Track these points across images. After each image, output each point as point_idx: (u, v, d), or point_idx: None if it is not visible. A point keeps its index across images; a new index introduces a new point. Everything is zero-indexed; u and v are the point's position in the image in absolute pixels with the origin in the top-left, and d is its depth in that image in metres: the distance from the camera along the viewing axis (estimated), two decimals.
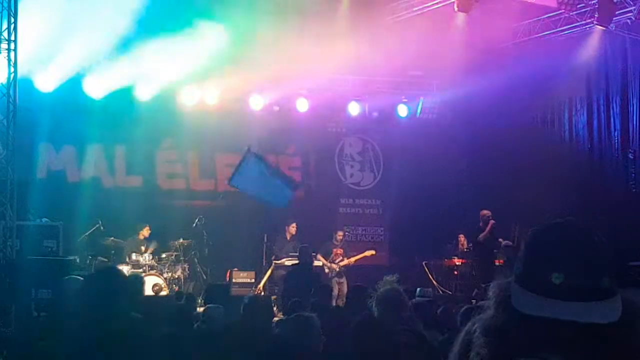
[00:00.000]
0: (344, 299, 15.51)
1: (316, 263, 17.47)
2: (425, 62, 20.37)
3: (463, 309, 8.23)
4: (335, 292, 17.84)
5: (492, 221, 17.96)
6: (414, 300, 8.46)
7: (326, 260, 18.45)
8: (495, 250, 18.23)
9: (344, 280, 18.20)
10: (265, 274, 18.42)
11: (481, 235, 17.97)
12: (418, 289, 13.18)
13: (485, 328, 2.06)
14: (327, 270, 18.33)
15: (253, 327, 7.32)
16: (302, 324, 6.63)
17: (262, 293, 17.89)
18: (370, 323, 6.46)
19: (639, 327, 1.96)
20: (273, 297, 17.16)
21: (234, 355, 6.91)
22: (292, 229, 18.76)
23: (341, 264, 18.48)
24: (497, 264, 18.17)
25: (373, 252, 19.50)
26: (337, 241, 19.05)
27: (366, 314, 6.92)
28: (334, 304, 17.28)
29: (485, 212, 18.16)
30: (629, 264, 17.53)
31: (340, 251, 18.72)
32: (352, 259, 18.70)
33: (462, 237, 19.93)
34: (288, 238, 18.68)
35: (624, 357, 1.94)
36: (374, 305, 6.98)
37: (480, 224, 18.09)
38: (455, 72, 19.76)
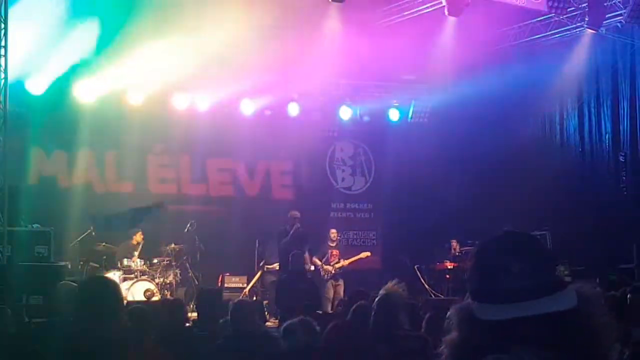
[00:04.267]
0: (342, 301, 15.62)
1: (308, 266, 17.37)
2: (416, 66, 20.40)
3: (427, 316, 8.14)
4: (331, 294, 17.84)
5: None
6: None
7: (321, 262, 18.37)
8: None
9: (341, 282, 18.12)
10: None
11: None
12: None
13: (450, 343, 2.19)
14: (322, 273, 18.24)
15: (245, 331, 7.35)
16: (308, 327, 6.68)
17: (255, 298, 17.88)
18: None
19: (593, 311, 2.11)
20: (265, 302, 17.16)
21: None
22: None
23: (336, 265, 18.42)
24: None
25: (368, 253, 19.41)
26: (331, 241, 18.93)
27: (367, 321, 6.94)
28: (329, 306, 17.33)
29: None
30: (619, 267, 17.60)
31: (336, 252, 18.63)
32: (347, 261, 18.62)
33: (454, 243, 19.92)
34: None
35: (584, 340, 2.09)
36: (374, 308, 7.02)
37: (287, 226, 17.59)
38: (446, 76, 19.79)
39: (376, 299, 7.15)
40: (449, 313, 2.25)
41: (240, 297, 17.07)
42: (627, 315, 7.37)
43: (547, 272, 2.13)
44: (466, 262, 19.30)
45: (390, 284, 7.16)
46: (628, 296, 8.03)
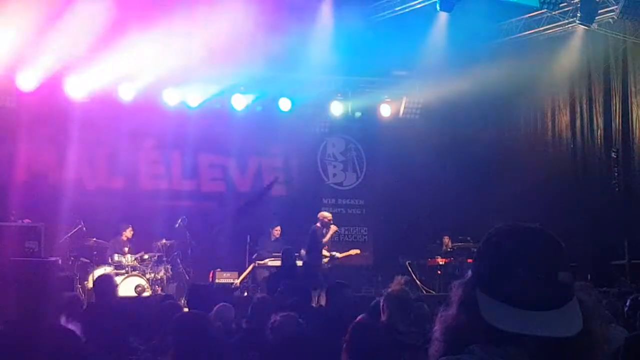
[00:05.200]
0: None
1: (298, 263, 17.33)
2: (408, 61, 20.38)
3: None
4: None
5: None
6: None
7: None
8: None
9: None
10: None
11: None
12: None
13: (446, 327, 2.18)
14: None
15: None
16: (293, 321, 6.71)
17: (246, 294, 17.83)
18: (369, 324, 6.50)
19: (595, 333, 2.09)
20: None
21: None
22: (276, 232, 18.74)
23: (324, 261, 18.36)
24: None
25: (358, 251, 19.38)
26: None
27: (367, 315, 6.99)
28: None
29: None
30: (612, 263, 17.61)
31: (326, 249, 18.61)
32: (340, 255, 18.58)
33: (446, 239, 19.91)
34: (272, 239, 18.65)
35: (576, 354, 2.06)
36: (382, 303, 7.10)
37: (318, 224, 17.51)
38: (437, 71, 19.76)
39: (383, 296, 7.26)
40: (452, 287, 2.24)
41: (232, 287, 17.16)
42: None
43: (555, 284, 2.09)
44: (458, 258, 19.35)
45: (397, 284, 7.27)
46: None
